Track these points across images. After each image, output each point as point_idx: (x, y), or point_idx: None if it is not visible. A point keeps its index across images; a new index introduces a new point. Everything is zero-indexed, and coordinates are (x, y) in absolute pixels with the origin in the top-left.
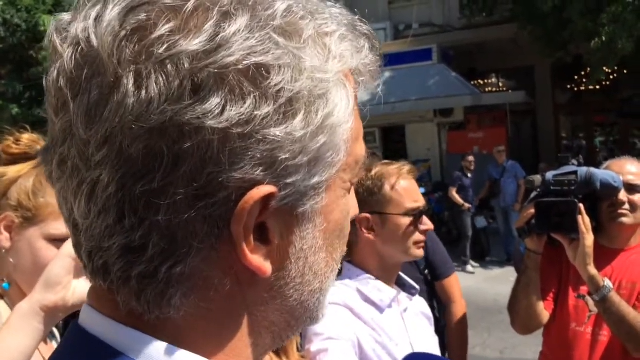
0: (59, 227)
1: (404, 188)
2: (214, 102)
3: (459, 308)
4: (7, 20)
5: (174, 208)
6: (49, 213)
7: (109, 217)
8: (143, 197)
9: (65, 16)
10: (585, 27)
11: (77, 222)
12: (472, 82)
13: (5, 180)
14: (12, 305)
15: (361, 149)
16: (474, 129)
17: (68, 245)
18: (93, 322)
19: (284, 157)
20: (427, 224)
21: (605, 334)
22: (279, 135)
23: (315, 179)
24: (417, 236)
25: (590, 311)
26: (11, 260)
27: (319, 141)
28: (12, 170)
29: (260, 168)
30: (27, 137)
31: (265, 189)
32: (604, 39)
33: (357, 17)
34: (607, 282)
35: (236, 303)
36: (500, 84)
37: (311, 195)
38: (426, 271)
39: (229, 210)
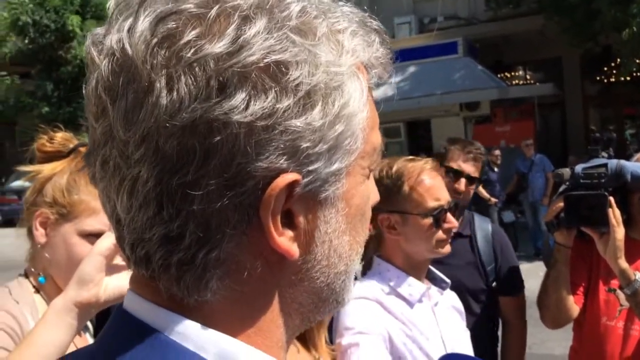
0: (92, 223)
1: (425, 186)
2: (239, 98)
3: (520, 332)
4: (36, 22)
5: (208, 198)
6: (83, 209)
7: (149, 210)
8: (179, 190)
9: (100, 30)
10: (614, 17)
11: (119, 217)
12: (499, 75)
13: (41, 177)
14: (48, 299)
15: (377, 137)
16: (500, 123)
17: (100, 244)
18: (137, 306)
19: (305, 145)
20: (450, 222)
21: (637, 329)
22: (299, 126)
23: (336, 166)
24: (440, 235)
25: (621, 305)
26: (46, 255)
27: (336, 130)
28: (47, 168)
29: (284, 157)
30: (60, 136)
31: (290, 177)
32: (634, 29)
33: (367, 14)
34: (639, 276)
35: (267, 285)
36: (528, 77)
37: (332, 181)
38: (494, 283)
39: (257, 197)
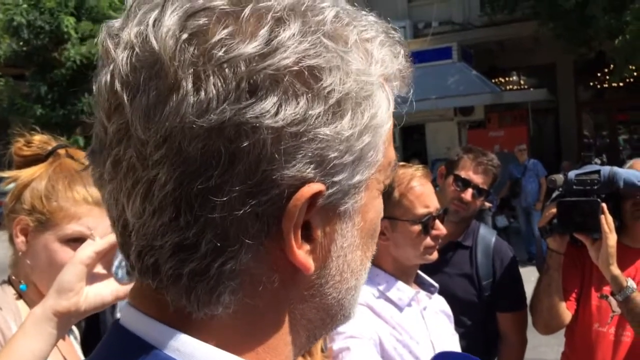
0: (73, 227)
1: (415, 193)
2: (270, 102)
3: (517, 349)
4: (30, 23)
5: (229, 205)
6: (62, 217)
7: (165, 215)
8: (200, 195)
9: (116, 22)
10: (608, 24)
11: (127, 222)
12: (493, 80)
13: (19, 183)
14: (30, 305)
15: (392, 151)
16: (494, 128)
17: (80, 253)
18: (136, 321)
19: (332, 155)
20: (439, 229)
21: (628, 335)
22: (328, 135)
23: (357, 178)
24: (428, 242)
25: (613, 311)
26: (28, 262)
27: (363, 141)
28: (24, 174)
29: (311, 166)
30: (38, 139)
31: (316, 187)
32: (627, 36)
33: (390, 25)
34: (631, 282)
35: (279, 301)
36: (522, 82)
37: (352, 194)
38: (485, 294)
39: (280, 207)
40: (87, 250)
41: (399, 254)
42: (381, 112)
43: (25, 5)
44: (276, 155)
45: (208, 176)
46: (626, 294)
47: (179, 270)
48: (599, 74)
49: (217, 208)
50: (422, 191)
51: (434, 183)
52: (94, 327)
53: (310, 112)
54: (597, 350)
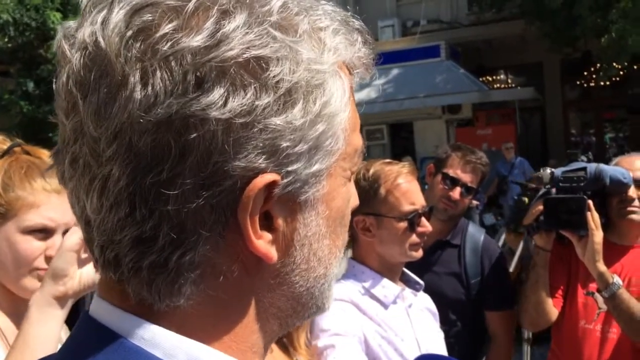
0: (32, 217)
1: (401, 190)
2: (217, 93)
3: (505, 347)
4: (16, 20)
5: (183, 198)
6: (20, 205)
7: (121, 210)
8: (153, 189)
9: (72, 23)
10: (594, 23)
11: (89, 218)
12: (481, 79)
13: None
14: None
15: (359, 139)
16: (482, 126)
17: (68, 241)
18: (102, 311)
19: (285, 145)
20: (424, 226)
21: (614, 332)
22: (279, 124)
23: (316, 167)
24: (414, 239)
25: (599, 308)
26: None
27: (317, 129)
28: None
29: (263, 156)
30: None
31: (269, 177)
32: (613, 35)
33: (349, 14)
34: (617, 279)
35: (243, 290)
36: (509, 81)
37: (312, 183)
38: (473, 293)
39: (235, 198)
40: (74, 237)
41: (384, 250)
42: (335, 100)
43: (11, 3)
44: (226, 147)
45: (159, 170)
46: (612, 290)
47: (139, 263)
48: (585, 73)
49: (171, 201)
50: (408, 188)
51: (423, 181)
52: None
53: (258, 103)
54: (584, 347)
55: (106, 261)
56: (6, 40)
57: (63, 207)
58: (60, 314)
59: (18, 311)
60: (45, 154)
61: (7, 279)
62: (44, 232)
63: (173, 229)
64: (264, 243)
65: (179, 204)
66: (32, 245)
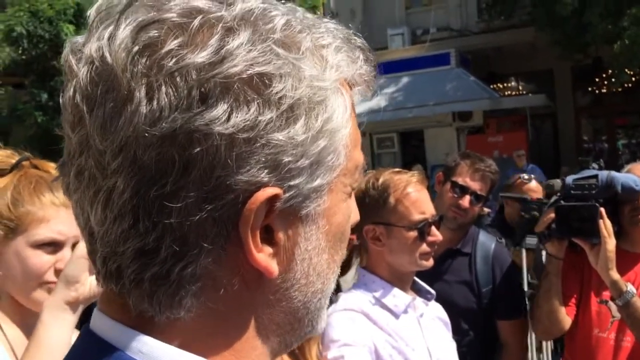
0: (43, 232)
1: (411, 199)
2: (221, 109)
3: (518, 356)
4: (30, 32)
5: (186, 211)
6: (30, 221)
7: (125, 222)
8: (156, 201)
9: (80, 38)
10: (605, 30)
11: (92, 230)
12: (491, 86)
13: None
14: (9, 318)
15: (359, 155)
16: (493, 133)
17: (80, 248)
18: (102, 325)
19: (287, 160)
20: (435, 235)
21: (628, 340)
22: (281, 140)
23: (318, 182)
24: (424, 248)
25: (613, 317)
26: (0, 273)
27: (319, 145)
28: None
29: (265, 171)
30: (0, 153)
31: (270, 191)
32: (626, 42)
33: (351, 32)
34: (630, 287)
35: (243, 305)
36: (520, 88)
37: (314, 198)
38: (485, 301)
39: (237, 211)
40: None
41: (394, 260)
42: (337, 116)
43: (25, 16)
44: (229, 161)
45: (163, 183)
46: (626, 298)
47: (141, 274)
48: (596, 79)
49: (174, 214)
50: (417, 197)
51: (433, 189)
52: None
53: (261, 118)
54: (598, 356)
55: (108, 272)
56: (20, 52)
57: (71, 221)
58: (72, 318)
59: (27, 322)
60: (53, 168)
61: (17, 292)
62: (53, 246)
63: (175, 242)
64: (264, 256)
65: (181, 216)
66: (41, 259)
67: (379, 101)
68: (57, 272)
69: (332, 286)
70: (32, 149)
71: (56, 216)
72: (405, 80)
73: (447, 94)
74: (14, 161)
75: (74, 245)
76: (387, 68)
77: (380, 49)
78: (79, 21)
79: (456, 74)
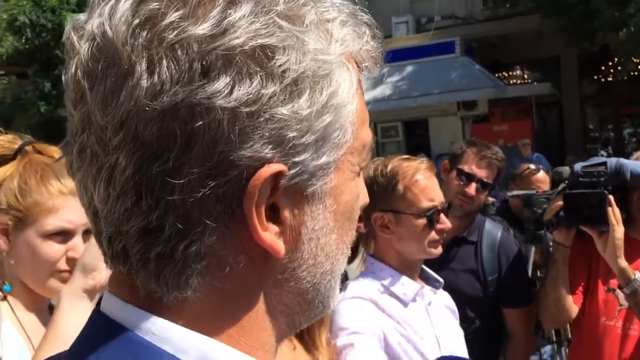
0: (52, 222)
1: (420, 186)
2: (223, 82)
3: (524, 344)
4: (33, 22)
5: (189, 187)
6: (39, 211)
7: (127, 200)
8: (159, 178)
9: (82, 16)
10: (612, 17)
11: (96, 209)
12: (496, 74)
13: None
14: (22, 304)
15: (367, 133)
16: (498, 122)
17: None
18: (112, 306)
19: (291, 135)
20: (444, 222)
21: (636, 328)
22: (285, 114)
23: (323, 159)
24: (433, 235)
25: (620, 305)
26: (12, 262)
27: (324, 120)
28: None
29: (269, 146)
30: (2, 139)
31: (275, 167)
32: (632, 29)
33: (358, 7)
34: (638, 275)
35: (251, 284)
36: (525, 76)
37: (320, 176)
38: (491, 290)
39: (241, 188)
40: None
41: (403, 248)
42: (342, 91)
43: (28, 5)
44: (232, 136)
45: (165, 159)
46: (634, 287)
47: (146, 254)
48: (603, 68)
49: (177, 190)
50: (426, 184)
51: (438, 177)
52: None
53: (264, 91)
54: (605, 344)
55: (115, 253)
56: (23, 41)
57: (80, 208)
58: (89, 306)
59: (39, 307)
60: (58, 152)
61: (30, 280)
62: (64, 235)
63: (179, 219)
64: (270, 235)
65: (184, 193)
66: (53, 249)
67: (384, 90)
68: (69, 261)
69: (343, 267)
70: (34, 136)
71: (65, 205)
72: (409, 69)
73: (452, 83)
74: (16, 146)
75: (84, 233)
76: (392, 57)
77: (384, 38)
78: (82, 10)
79: (461, 62)
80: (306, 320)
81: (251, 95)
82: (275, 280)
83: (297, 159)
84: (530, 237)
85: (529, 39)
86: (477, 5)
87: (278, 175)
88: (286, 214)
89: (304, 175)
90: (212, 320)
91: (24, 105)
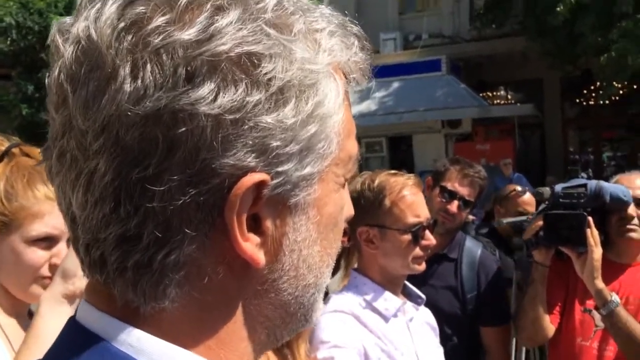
0: (37, 227)
1: (407, 202)
2: (207, 88)
3: None
4: (19, 23)
5: (169, 194)
6: (25, 216)
7: (105, 206)
8: (139, 184)
9: (68, 19)
10: (595, 41)
11: (74, 215)
12: (481, 94)
13: None
14: (2, 308)
15: (353, 145)
16: (481, 141)
17: None
18: (88, 316)
19: (275, 144)
20: (428, 239)
21: (611, 349)
22: (270, 123)
23: (307, 170)
24: (417, 252)
25: (596, 326)
26: None
27: (309, 130)
28: None
29: (253, 155)
30: None
31: (258, 176)
32: (613, 54)
33: (347, 19)
34: (615, 297)
35: (230, 295)
36: (509, 97)
37: (303, 186)
38: (469, 307)
39: (222, 197)
40: None
41: (387, 263)
42: (328, 101)
43: (14, 6)
44: (215, 144)
45: (146, 165)
46: (610, 308)
47: (124, 262)
48: (585, 91)
49: (156, 197)
50: (413, 200)
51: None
52: None
53: (248, 99)
54: None
55: (92, 261)
56: (8, 43)
57: None
58: (69, 311)
59: (19, 311)
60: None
61: (11, 285)
62: (49, 241)
63: (158, 227)
64: (251, 245)
65: (164, 200)
66: (37, 255)
67: (369, 105)
68: (52, 267)
69: (327, 280)
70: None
71: (51, 210)
72: (396, 85)
73: (438, 101)
74: (3, 148)
75: (69, 239)
76: (379, 72)
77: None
78: (69, 14)
79: (447, 80)
80: (288, 333)
81: (235, 103)
82: (255, 291)
83: (280, 169)
84: (525, 264)
85: (514, 61)
86: (464, 25)
87: (261, 184)
88: (268, 224)
89: (287, 186)
90: (190, 332)
91: (5, 107)
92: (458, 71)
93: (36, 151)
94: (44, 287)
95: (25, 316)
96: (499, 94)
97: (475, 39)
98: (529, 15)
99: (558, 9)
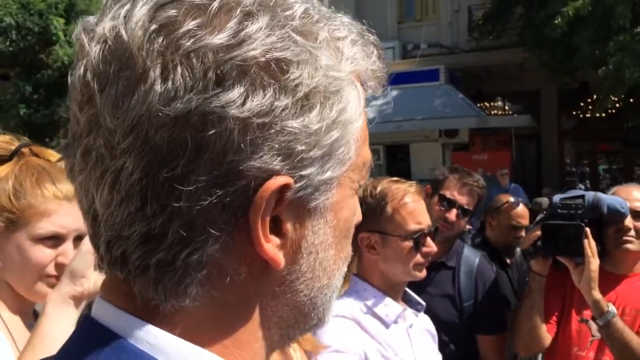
0: (44, 226)
1: (408, 209)
2: (237, 92)
3: None
4: (19, 24)
5: (195, 195)
6: (32, 214)
7: (131, 205)
8: (166, 184)
9: (92, 18)
10: (593, 54)
11: (96, 213)
12: (478, 104)
13: None
14: (7, 305)
15: (368, 152)
16: (478, 151)
17: (87, 242)
18: (105, 313)
19: (300, 148)
20: (430, 246)
21: None
22: (296, 127)
23: (328, 174)
24: (418, 258)
25: (592, 336)
26: (0, 263)
27: (332, 136)
28: None
29: (278, 158)
30: (0, 139)
31: (282, 179)
32: (610, 67)
33: (365, 27)
34: (612, 307)
35: (249, 295)
36: (506, 108)
37: (323, 190)
38: (466, 316)
39: (247, 199)
40: None
41: (388, 269)
42: (351, 108)
43: (14, 7)
44: (242, 146)
45: (174, 165)
46: (607, 318)
47: (147, 260)
48: (581, 104)
49: (183, 197)
50: (415, 207)
51: None
52: None
53: (276, 104)
54: None
55: (113, 258)
56: (7, 43)
57: (74, 214)
58: (75, 313)
59: (23, 309)
60: (54, 156)
61: (17, 283)
62: (55, 240)
63: (183, 227)
64: (272, 247)
65: (191, 200)
66: (43, 253)
67: (367, 113)
68: (58, 266)
69: (339, 283)
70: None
71: (58, 209)
72: (394, 93)
73: (435, 110)
74: (13, 147)
75: (75, 239)
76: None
77: None
78: (69, 15)
79: (444, 90)
80: (300, 332)
81: (264, 107)
82: (273, 292)
83: (303, 173)
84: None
85: (511, 72)
86: (463, 35)
87: (284, 187)
88: (288, 226)
89: (308, 189)
90: (209, 331)
91: (2, 107)
92: (456, 81)
93: (46, 151)
94: (49, 286)
95: (30, 315)
96: (496, 104)
97: (474, 50)
98: (527, 27)
99: (556, 21)
